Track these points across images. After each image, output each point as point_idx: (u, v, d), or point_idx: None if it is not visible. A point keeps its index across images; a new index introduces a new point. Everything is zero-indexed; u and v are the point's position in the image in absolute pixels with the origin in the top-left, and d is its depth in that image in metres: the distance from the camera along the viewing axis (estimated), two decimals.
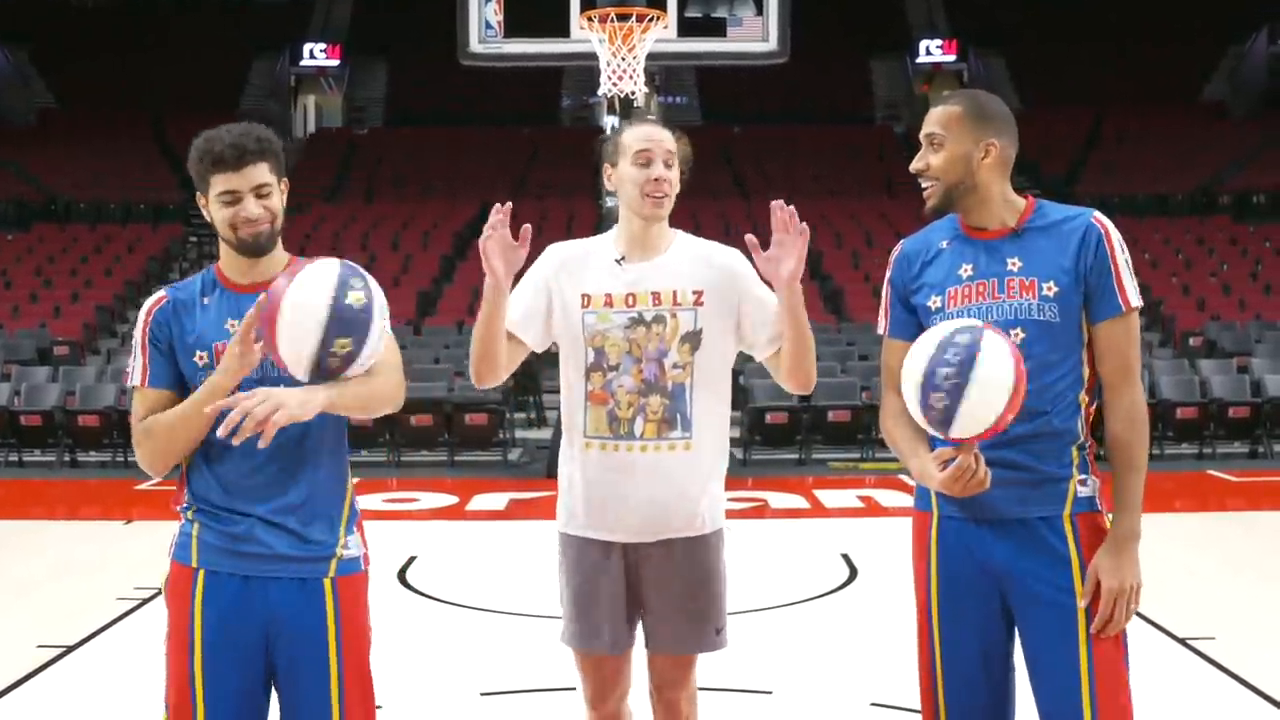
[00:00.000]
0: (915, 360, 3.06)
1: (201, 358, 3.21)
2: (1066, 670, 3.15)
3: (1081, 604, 3.16)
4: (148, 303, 3.32)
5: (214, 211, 3.23)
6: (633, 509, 3.63)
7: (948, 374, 2.98)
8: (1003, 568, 3.22)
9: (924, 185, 3.33)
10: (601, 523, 3.68)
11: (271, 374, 3.14)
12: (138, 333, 3.29)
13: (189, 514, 3.26)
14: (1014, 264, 3.25)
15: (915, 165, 3.32)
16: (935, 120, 3.32)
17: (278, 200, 3.25)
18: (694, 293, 3.66)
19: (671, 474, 3.63)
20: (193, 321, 3.25)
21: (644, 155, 3.66)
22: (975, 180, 3.29)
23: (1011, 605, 3.24)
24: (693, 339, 3.64)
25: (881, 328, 3.44)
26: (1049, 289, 3.21)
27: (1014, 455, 3.19)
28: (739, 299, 3.68)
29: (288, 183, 3.33)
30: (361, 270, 3.10)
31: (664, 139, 3.69)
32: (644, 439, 3.62)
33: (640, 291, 3.66)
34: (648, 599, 3.71)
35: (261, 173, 3.21)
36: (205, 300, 3.28)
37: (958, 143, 3.28)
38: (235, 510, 3.20)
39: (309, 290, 3.00)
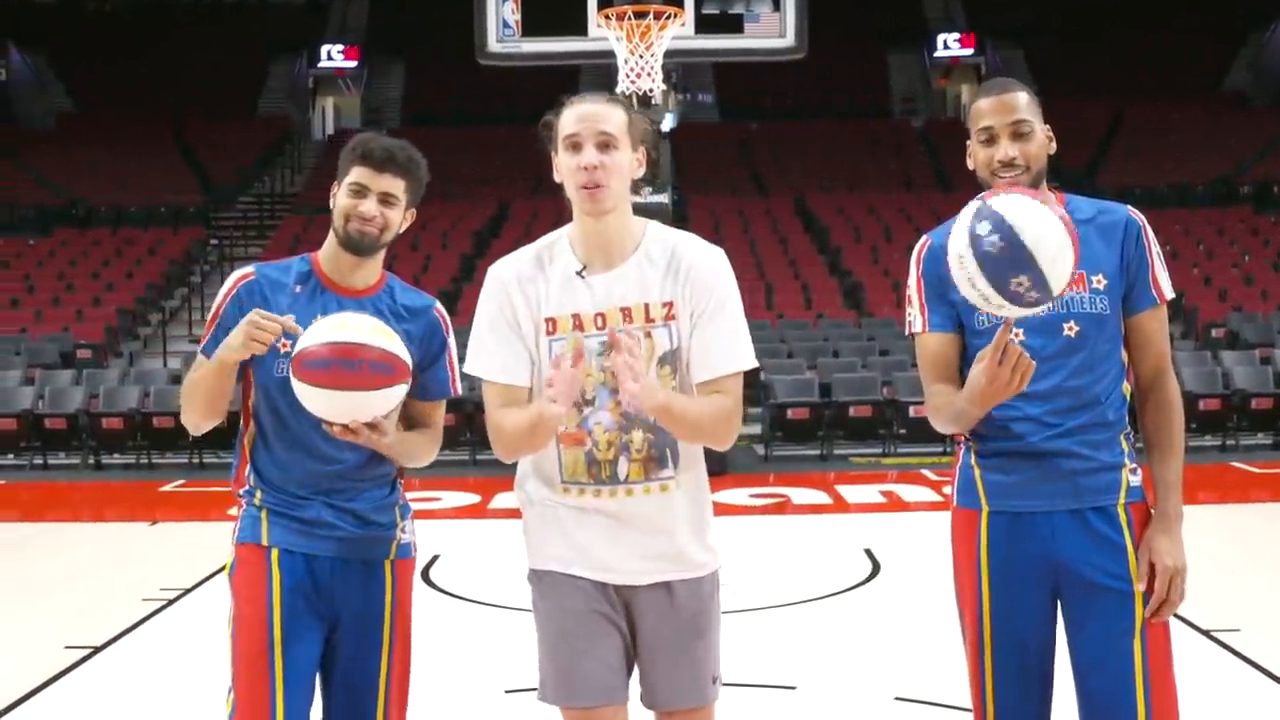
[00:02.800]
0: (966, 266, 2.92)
1: (284, 345, 3.25)
2: (1122, 657, 3.17)
3: (1140, 587, 3.18)
4: (235, 275, 3.40)
5: (339, 199, 3.36)
6: (621, 553, 3.18)
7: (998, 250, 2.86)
8: (1059, 559, 3.22)
9: (1006, 176, 3.23)
10: (587, 562, 3.20)
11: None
12: (218, 300, 3.38)
13: (255, 499, 3.36)
14: None
15: (1008, 154, 3.22)
16: (1021, 107, 3.26)
17: (397, 216, 3.38)
18: (664, 305, 3.15)
19: (664, 517, 3.19)
20: (279, 305, 3.32)
21: (572, 140, 3.15)
22: (1045, 169, 3.30)
23: (1064, 595, 3.25)
24: (671, 359, 3.16)
25: (918, 325, 3.34)
26: (1098, 281, 3.23)
27: (1072, 446, 3.22)
28: (696, 320, 3.16)
29: (414, 214, 3.46)
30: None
31: (599, 117, 3.13)
32: (629, 482, 3.14)
33: (610, 309, 3.15)
34: (641, 647, 3.25)
35: (395, 185, 3.36)
36: (298, 289, 3.36)
37: (1038, 129, 3.28)
38: (304, 497, 3.32)
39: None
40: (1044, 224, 2.85)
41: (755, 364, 3.25)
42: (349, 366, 3.07)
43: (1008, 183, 3.23)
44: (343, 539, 3.33)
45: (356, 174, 3.33)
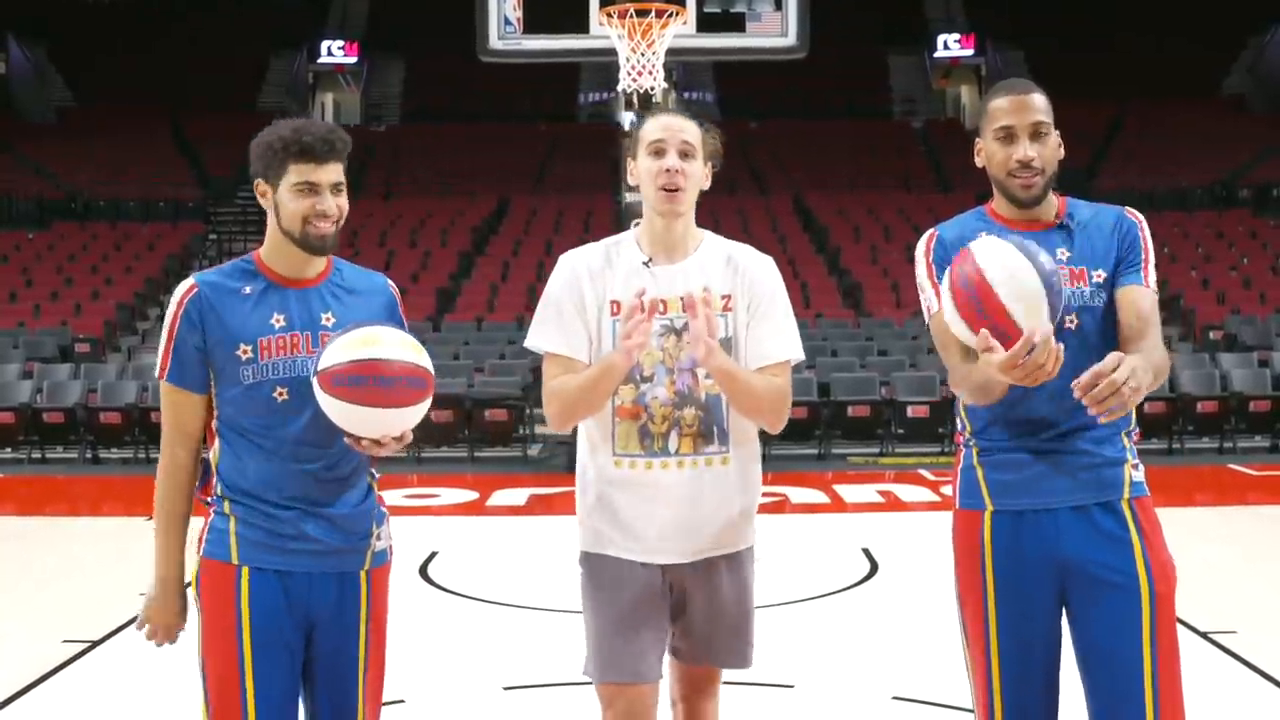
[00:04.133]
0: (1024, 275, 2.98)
1: (245, 351, 3.18)
2: (1129, 653, 3.17)
3: (1144, 584, 3.18)
4: (178, 291, 3.24)
5: (285, 202, 3.20)
6: (671, 530, 3.43)
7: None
8: (1064, 557, 3.23)
9: (1022, 177, 3.26)
10: (638, 544, 3.45)
11: (304, 374, 3.18)
12: (168, 323, 3.24)
13: (223, 507, 3.22)
14: (1063, 254, 3.28)
15: (1025, 155, 3.25)
16: (1040, 108, 3.29)
17: (345, 200, 3.27)
18: (723, 297, 3.46)
19: (711, 491, 3.43)
20: (232, 312, 3.20)
21: (656, 146, 3.45)
22: (1056, 173, 3.32)
23: (1070, 593, 3.25)
24: (724, 346, 3.40)
25: (935, 306, 3.31)
26: (1098, 276, 3.27)
27: (1075, 443, 3.23)
28: (753, 313, 3.48)
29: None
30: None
31: (682, 129, 3.47)
32: (680, 454, 3.41)
33: (671, 296, 3.45)
34: (687, 617, 3.52)
35: (338, 170, 3.23)
36: (247, 289, 3.23)
37: (1053, 132, 3.30)
38: (282, 505, 3.19)
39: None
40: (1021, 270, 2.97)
41: (803, 356, 3.55)
42: (383, 384, 3.04)
43: (1023, 183, 3.26)
44: (318, 553, 3.19)
45: (301, 172, 3.17)
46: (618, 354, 3.32)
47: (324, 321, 3.24)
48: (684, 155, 3.45)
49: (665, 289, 3.45)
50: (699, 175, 3.49)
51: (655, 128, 3.48)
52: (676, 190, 3.43)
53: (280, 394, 3.19)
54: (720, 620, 3.52)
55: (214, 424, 3.27)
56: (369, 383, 3.03)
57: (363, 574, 3.28)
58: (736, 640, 3.56)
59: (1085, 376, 2.88)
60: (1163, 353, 3.20)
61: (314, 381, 3.09)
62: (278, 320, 3.21)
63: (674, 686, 3.68)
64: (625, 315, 3.32)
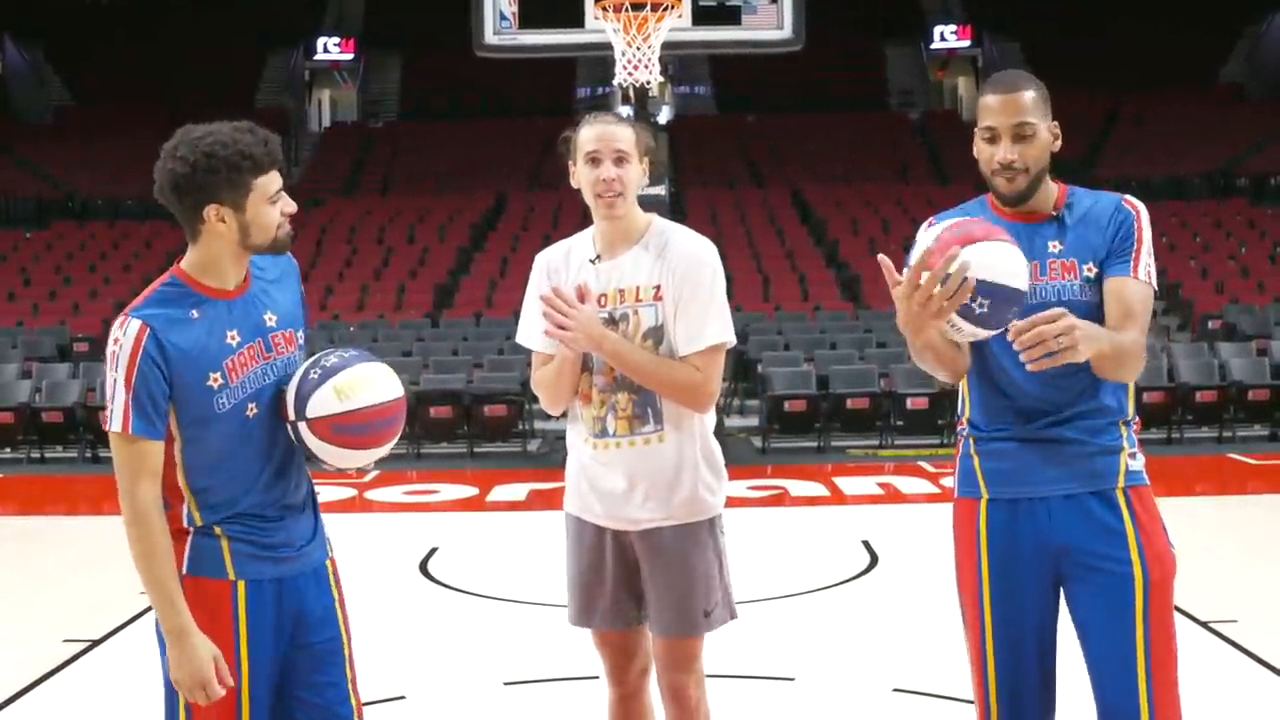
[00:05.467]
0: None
1: (215, 380, 3.05)
2: (1123, 641, 3.18)
3: (1137, 570, 3.18)
4: (128, 336, 3.01)
5: (259, 215, 3.09)
6: (615, 502, 3.72)
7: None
8: (1058, 545, 3.24)
9: (1006, 175, 3.26)
10: (595, 510, 3.78)
11: (280, 361, 3.19)
12: (121, 369, 3.00)
13: (215, 529, 3.10)
14: (1055, 246, 3.28)
15: (1007, 157, 3.24)
16: (1026, 108, 3.26)
17: None
18: (653, 288, 3.68)
19: (649, 467, 3.69)
20: (192, 343, 3.04)
21: (591, 156, 3.67)
22: (1047, 165, 3.31)
23: (1065, 581, 3.27)
24: (655, 334, 3.67)
25: None
26: (1089, 270, 3.26)
27: (1068, 432, 3.24)
28: (678, 302, 3.65)
29: None
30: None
31: (614, 137, 3.67)
32: (617, 435, 3.70)
33: (611, 290, 3.71)
34: (643, 582, 3.77)
35: None
36: (194, 315, 3.07)
37: (1042, 129, 3.28)
38: (273, 518, 3.15)
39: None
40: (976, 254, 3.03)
41: (721, 340, 3.68)
42: (385, 424, 3.19)
43: (1004, 181, 3.26)
44: (301, 555, 3.20)
45: (273, 180, 3.10)
46: (560, 347, 3.67)
47: (268, 323, 3.17)
48: (619, 162, 3.66)
49: (605, 283, 3.72)
50: (636, 177, 3.71)
51: (590, 137, 3.69)
52: (615, 196, 3.65)
53: (251, 410, 3.11)
54: (667, 589, 3.71)
55: (185, 462, 3.11)
56: (371, 429, 3.16)
57: (329, 563, 3.30)
58: (680, 608, 3.71)
59: (1023, 323, 2.97)
60: (1135, 341, 3.17)
61: (303, 427, 3.10)
62: (232, 337, 3.10)
63: (654, 662, 3.85)
64: (544, 309, 3.64)
